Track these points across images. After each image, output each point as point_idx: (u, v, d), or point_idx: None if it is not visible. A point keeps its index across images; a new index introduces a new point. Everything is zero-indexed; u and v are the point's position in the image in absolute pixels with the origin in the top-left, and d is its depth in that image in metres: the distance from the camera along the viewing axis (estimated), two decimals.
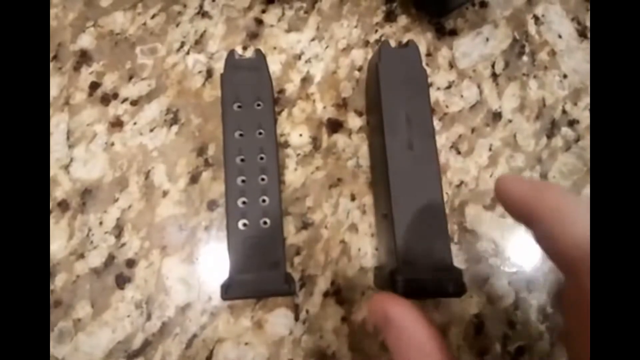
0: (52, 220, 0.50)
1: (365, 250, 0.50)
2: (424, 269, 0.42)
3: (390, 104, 0.47)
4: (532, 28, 0.58)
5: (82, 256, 0.49)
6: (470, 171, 0.53)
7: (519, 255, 0.51)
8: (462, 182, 0.53)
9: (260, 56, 0.49)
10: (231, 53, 0.49)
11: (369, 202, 0.51)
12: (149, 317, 0.48)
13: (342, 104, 0.54)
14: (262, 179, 0.46)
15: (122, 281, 0.49)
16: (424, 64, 0.49)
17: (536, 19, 0.59)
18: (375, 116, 0.49)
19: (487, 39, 0.58)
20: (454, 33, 0.58)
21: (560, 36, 0.58)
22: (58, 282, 0.48)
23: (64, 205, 0.50)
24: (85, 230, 0.50)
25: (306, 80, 0.55)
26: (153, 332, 0.47)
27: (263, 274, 0.43)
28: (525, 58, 0.57)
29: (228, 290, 0.42)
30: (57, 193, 0.51)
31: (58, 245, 0.49)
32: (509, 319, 0.49)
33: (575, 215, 0.28)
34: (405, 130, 0.46)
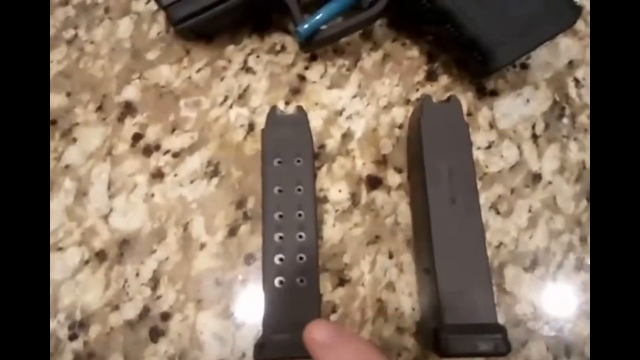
0: (88, 271, 0.47)
1: (402, 310, 0.46)
2: (468, 327, 0.39)
3: (433, 158, 0.44)
4: (572, 91, 0.54)
5: (116, 308, 0.46)
6: (509, 232, 0.49)
7: (557, 320, 0.46)
8: (501, 243, 0.49)
9: (301, 113, 0.47)
10: (273, 109, 0.47)
11: (407, 260, 0.48)
12: None
13: (382, 161, 0.51)
14: (300, 236, 0.43)
15: (155, 335, 0.45)
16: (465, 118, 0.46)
17: (577, 82, 0.55)
18: (417, 171, 0.46)
19: (528, 100, 0.54)
20: (494, 94, 0.54)
21: None
22: (92, 333, 0.45)
23: (101, 255, 0.47)
24: (122, 282, 0.46)
25: (347, 136, 0.52)
26: None
27: (298, 334, 0.39)
28: (565, 120, 0.53)
29: (261, 351, 0.39)
30: (95, 243, 0.48)
31: (93, 295, 0.46)
32: None
33: None
34: (448, 184, 0.43)
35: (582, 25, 0.57)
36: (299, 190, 0.44)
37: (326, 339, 0.30)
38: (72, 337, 0.45)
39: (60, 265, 0.47)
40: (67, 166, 0.50)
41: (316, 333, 0.30)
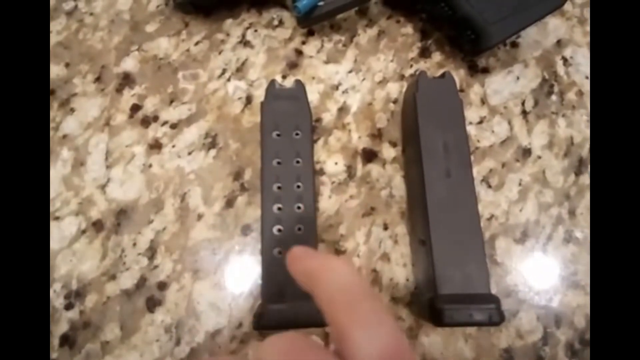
0: (85, 240, 0.41)
1: (397, 280, 0.41)
2: (462, 297, 0.36)
3: (428, 132, 0.41)
4: (560, 69, 0.50)
5: (113, 277, 0.40)
6: (500, 205, 0.44)
7: (547, 290, 0.42)
8: (492, 216, 0.44)
9: (300, 87, 0.42)
10: (272, 83, 0.42)
11: (401, 231, 0.43)
12: (178, 342, 0.38)
13: (377, 135, 0.46)
14: (299, 207, 0.39)
15: (152, 304, 0.39)
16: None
17: (565, 60, 0.50)
18: (412, 145, 0.43)
19: (518, 78, 0.49)
20: (486, 71, 0.49)
21: (587, 77, 0.49)
22: (88, 302, 0.39)
23: (98, 225, 0.41)
24: (119, 251, 0.41)
25: (343, 110, 0.47)
26: (181, 358, 0.38)
27: (297, 304, 0.35)
28: (554, 97, 0.48)
29: (261, 321, 0.35)
30: (92, 213, 0.42)
31: (90, 265, 0.40)
32: (538, 354, 0.40)
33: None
34: (443, 158, 0.40)
35: (570, 6, 0.52)
36: (298, 162, 0.40)
37: (301, 253, 0.26)
38: (68, 307, 0.39)
39: (57, 234, 0.41)
40: (64, 136, 0.44)
41: (295, 250, 0.26)
